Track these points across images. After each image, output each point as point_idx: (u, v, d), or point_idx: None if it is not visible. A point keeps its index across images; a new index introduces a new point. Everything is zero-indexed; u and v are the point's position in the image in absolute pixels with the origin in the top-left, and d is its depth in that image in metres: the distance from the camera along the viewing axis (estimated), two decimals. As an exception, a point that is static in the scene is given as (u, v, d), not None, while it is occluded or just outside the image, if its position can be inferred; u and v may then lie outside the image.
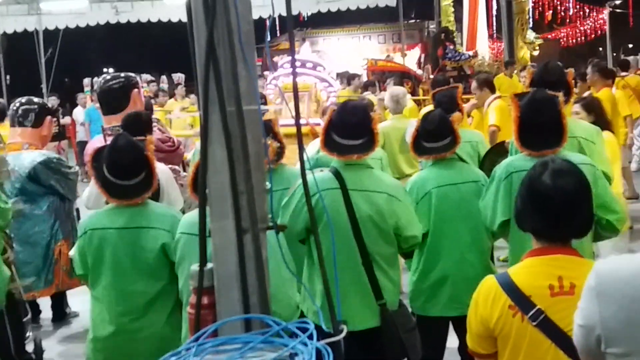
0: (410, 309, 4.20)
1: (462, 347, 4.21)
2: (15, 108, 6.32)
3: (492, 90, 8.12)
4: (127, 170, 3.62)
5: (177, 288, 3.54)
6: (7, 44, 21.80)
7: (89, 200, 5.18)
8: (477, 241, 4.15)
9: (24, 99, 6.42)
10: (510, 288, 2.39)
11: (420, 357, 3.75)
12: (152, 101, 11.81)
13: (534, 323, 2.35)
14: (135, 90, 5.94)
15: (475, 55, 16.62)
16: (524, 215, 2.49)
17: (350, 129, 3.68)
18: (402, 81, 13.87)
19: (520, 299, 2.37)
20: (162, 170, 4.46)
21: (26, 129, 6.20)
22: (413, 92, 14.32)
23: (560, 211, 2.39)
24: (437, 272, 4.12)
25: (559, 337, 2.33)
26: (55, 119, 6.76)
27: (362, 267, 3.60)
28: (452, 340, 4.26)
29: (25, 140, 6.15)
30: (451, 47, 16.39)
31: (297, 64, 9.64)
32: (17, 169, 5.77)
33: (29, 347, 5.64)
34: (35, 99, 6.53)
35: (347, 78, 15.15)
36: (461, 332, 4.15)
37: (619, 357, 1.81)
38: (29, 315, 5.80)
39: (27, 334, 5.74)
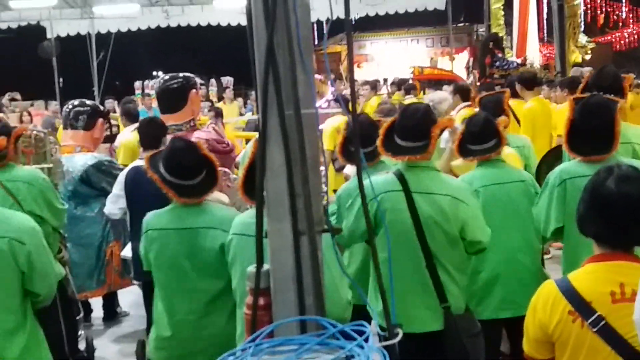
0: None
1: (515, 352, 4.18)
2: (67, 110, 6.44)
3: (465, 98, 8.11)
4: (189, 170, 3.69)
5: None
6: (60, 48, 22.21)
7: (108, 200, 5.29)
8: (527, 241, 4.13)
9: (76, 102, 6.54)
10: (570, 293, 2.38)
11: None
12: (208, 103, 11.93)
13: (594, 329, 2.33)
14: (193, 91, 6.03)
15: (524, 63, 16.41)
16: (586, 220, 2.48)
17: (410, 131, 3.68)
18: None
19: (580, 305, 2.36)
20: None
21: (78, 131, 6.31)
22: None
23: (624, 217, 2.38)
24: (487, 272, 4.10)
25: (620, 344, 2.32)
26: (107, 122, 6.86)
27: (426, 269, 3.57)
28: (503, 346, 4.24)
29: (77, 143, 6.26)
30: (500, 55, 16.22)
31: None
32: (70, 172, 5.89)
33: (81, 346, 5.77)
34: (87, 102, 6.65)
35: (396, 83, 15.14)
36: (514, 336, 4.13)
37: None
38: (81, 314, 5.91)
39: (80, 333, 5.86)
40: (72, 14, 24.52)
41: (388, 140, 3.74)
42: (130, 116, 8.53)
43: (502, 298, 4.07)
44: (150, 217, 3.85)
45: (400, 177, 3.64)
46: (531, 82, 8.61)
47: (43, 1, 22.25)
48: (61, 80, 22.02)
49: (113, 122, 9.36)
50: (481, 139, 4.19)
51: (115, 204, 5.28)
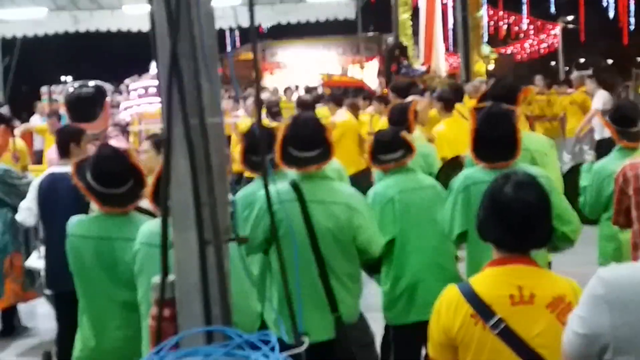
0: (385, 321, 4.20)
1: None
2: None
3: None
4: (115, 178, 3.60)
5: None
6: (-37, 52, 21.38)
7: (26, 216, 5.13)
8: (444, 245, 4.19)
9: None
10: (472, 297, 2.42)
11: None
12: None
13: (495, 332, 2.38)
14: (107, 99, 5.92)
15: (428, 71, 16.84)
16: (485, 225, 2.53)
17: (305, 140, 3.69)
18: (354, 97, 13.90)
19: (481, 308, 2.40)
20: None
21: None
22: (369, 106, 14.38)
23: (522, 222, 2.44)
24: (408, 277, 4.14)
25: (519, 346, 2.37)
26: (11, 129, 6.60)
27: (319, 278, 3.59)
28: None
29: None
30: (405, 62, 16.60)
31: (142, 91, 9.69)
32: None
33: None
34: None
35: (305, 90, 15.28)
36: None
37: None
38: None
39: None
40: (-25, 17, 23.64)
41: (285, 153, 3.74)
42: None
43: (425, 301, 4.11)
44: (73, 224, 3.73)
45: (295, 187, 3.64)
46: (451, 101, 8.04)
47: (-56, 4, 21.35)
48: (-36, 85, 21.17)
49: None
50: (391, 149, 4.24)
51: (30, 212, 5.12)
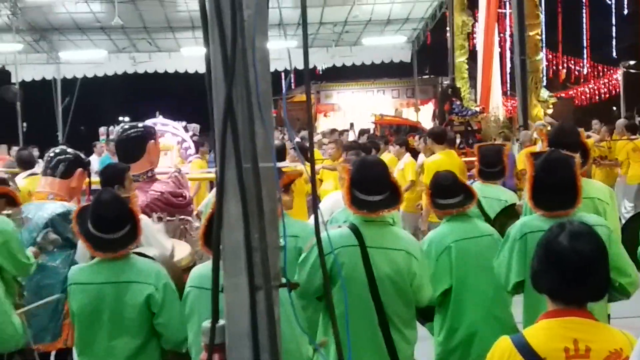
0: None
1: None
2: (48, 157, 6.36)
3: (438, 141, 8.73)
4: (111, 223, 3.62)
5: (158, 344, 3.58)
6: (25, 92, 22.09)
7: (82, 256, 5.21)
8: (500, 295, 4.12)
9: (57, 149, 6.42)
10: (525, 349, 2.37)
11: None
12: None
13: None
14: (152, 141, 5.99)
15: (483, 111, 16.78)
16: (540, 276, 2.48)
17: (372, 184, 3.68)
18: (408, 135, 14.07)
19: None
20: (144, 222, 4.48)
21: (55, 179, 6.19)
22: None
23: (577, 273, 2.39)
24: (464, 329, 4.08)
25: None
26: (87, 171, 6.66)
27: (379, 326, 3.55)
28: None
29: (51, 191, 6.14)
30: (457, 102, 16.61)
31: (159, 126, 9.79)
32: (35, 219, 5.75)
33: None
34: (70, 150, 6.53)
35: (359, 132, 15.51)
36: None
37: None
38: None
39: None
40: (38, 58, 24.50)
41: (351, 194, 3.73)
42: (24, 163, 8.44)
43: (480, 355, 4.04)
44: (73, 271, 3.78)
45: (356, 232, 3.62)
46: (440, 137, 9.03)
47: (8, 46, 22.16)
48: (25, 124, 21.83)
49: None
50: (451, 193, 4.21)
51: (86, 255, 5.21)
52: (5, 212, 5.22)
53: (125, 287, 3.58)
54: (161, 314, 3.55)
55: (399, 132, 17.07)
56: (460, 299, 4.06)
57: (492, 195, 5.17)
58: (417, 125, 17.91)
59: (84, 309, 3.63)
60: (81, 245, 5.28)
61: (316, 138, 14.87)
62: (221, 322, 2.10)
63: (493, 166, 5.52)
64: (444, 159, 8.55)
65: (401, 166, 9.85)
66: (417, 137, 11.88)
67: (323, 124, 22.04)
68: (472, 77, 19.62)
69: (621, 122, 13.37)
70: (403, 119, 19.72)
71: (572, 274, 2.39)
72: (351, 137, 16.29)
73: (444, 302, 4.03)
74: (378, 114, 18.87)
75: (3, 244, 4.80)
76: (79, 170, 6.31)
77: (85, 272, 3.72)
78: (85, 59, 24.28)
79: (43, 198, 6.03)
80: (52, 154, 6.38)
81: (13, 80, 23.07)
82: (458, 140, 14.27)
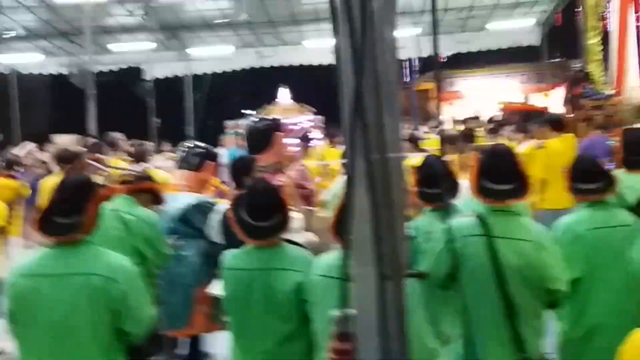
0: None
1: None
2: (182, 152, 6.65)
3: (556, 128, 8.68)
4: (264, 212, 3.72)
5: (308, 330, 3.58)
6: (157, 89, 23.07)
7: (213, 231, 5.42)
8: (633, 288, 3.96)
9: (190, 144, 6.71)
10: None
11: None
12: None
13: None
14: (278, 132, 6.12)
15: (618, 94, 16.03)
16: None
17: (502, 173, 3.63)
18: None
19: None
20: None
21: (188, 172, 6.48)
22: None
23: None
24: (589, 320, 3.97)
25: None
26: (217, 164, 6.87)
27: (506, 319, 3.48)
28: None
29: (185, 183, 6.42)
30: (590, 86, 15.96)
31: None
32: (170, 211, 6.01)
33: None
34: (201, 144, 6.79)
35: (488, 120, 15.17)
36: None
37: None
38: (168, 350, 5.99)
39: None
40: (169, 56, 25.41)
41: (478, 183, 3.68)
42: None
43: (604, 348, 3.91)
44: (227, 257, 3.89)
45: (482, 221, 3.57)
46: (558, 123, 8.96)
47: (141, 44, 23.17)
48: (159, 120, 22.78)
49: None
50: (591, 178, 4.08)
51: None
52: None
53: (275, 274, 3.66)
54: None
55: (529, 119, 16.60)
56: (588, 289, 3.94)
57: (637, 185, 4.88)
58: (544, 112, 17.33)
59: (236, 294, 3.75)
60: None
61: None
62: (351, 311, 2.13)
63: (639, 154, 5.22)
64: (556, 145, 8.45)
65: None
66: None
67: (447, 112, 21.70)
68: (606, 59, 18.76)
69: None
70: (531, 106, 19.16)
71: None
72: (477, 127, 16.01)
73: (572, 290, 3.90)
74: (506, 102, 18.42)
75: (149, 236, 5.13)
76: (209, 162, 6.54)
77: (237, 258, 3.84)
78: (214, 55, 25.01)
79: (177, 190, 6.30)
80: (185, 149, 6.65)
81: (146, 77, 24.11)
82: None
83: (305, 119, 14.43)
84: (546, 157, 8.34)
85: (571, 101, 16.18)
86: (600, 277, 3.94)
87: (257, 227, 3.72)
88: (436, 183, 4.20)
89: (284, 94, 13.49)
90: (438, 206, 4.21)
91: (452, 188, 4.35)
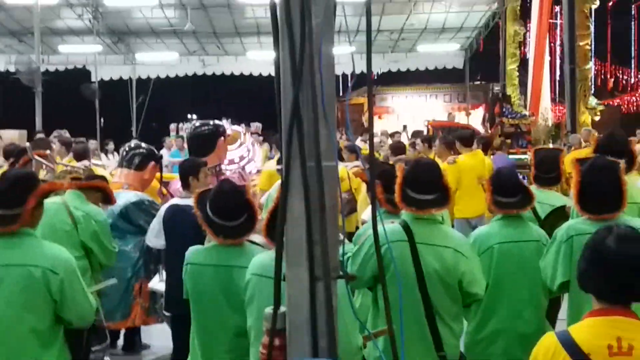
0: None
1: None
2: (124, 151, 6.51)
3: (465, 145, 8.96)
4: (232, 212, 3.70)
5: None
6: (102, 90, 22.62)
7: (151, 234, 5.33)
8: (534, 298, 4.08)
9: (132, 144, 6.58)
10: (570, 345, 2.34)
11: None
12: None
13: None
14: (221, 138, 6.10)
15: (532, 115, 16.54)
16: (586, 277, 2.44)
17: (424, 184, 3.67)
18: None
19: (579, 357, 2.31)
20: None
21: (130, 171, 6.35)
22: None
23: (623, 275, 2.35)
24: (492, 325, 4.05)
25: None
26: (159, 165, 6.75)
27: (425, 319, 3.53)
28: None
29: (126, 181, 6.29)
30: (508, 106, 16.44)
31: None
32: (111, 207, 5.89)
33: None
34: (144, 145, 6.66)
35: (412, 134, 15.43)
36: None
37: None
38: (108, 342, 5.86)
39: (105, 358, 5.80)
40: (116, 59, 25.06)
41: (404, 194, 3.71)
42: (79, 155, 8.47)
43: (504, 351, 4.03)
44: (191, 253, 3.84)
45: (406, 228, 3.60)
46: (468, 140, 9.22)
47: (89, 47, 22.69)
48: (102, 120, 22.32)
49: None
50: (510, 192, 4.12)
51: (158, 238, 5.31)
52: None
53: (237, 271, 3.62)
54: None
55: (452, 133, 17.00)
56: (494, 296, 4.01)
57: (547, 201, 4.99)
58: (469, 127, 17.71)
59: (199, 289, 3.70)
60: (153, 225, 5.39)
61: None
62: (282, 309, 2.12)
63: (550, 172, 5.24)
64: (467, 160, 8.77)
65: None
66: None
67: (377, 126, 21.91)
68: (523, 84, 19.28)
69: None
70: (455, 123, 19.51)
71: (619, 276, 2.35)
72: (404, 138, 16.21)
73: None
74: (431, 120, 18.75)
75: (96, 232, 5.01)
76: (152, 163, 6.44)
77: (201, 254, 3.80)
78: (159, 61, 24.74)
79: (118, 188, 6.18)
80: (127, 148, 6.53)
81: (92, 79, 23.61)
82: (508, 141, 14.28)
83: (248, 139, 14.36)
84: (457, 171, 8.55)
85: (490, 119, 16.57)
86: (506, 286, 4.03)
87: (225, 226, 3.69)
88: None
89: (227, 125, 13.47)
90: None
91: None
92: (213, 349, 3.67)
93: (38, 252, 3.31)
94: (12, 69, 23.25)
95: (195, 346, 3.76)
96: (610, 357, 2.31)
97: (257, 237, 4.42)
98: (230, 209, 3.71)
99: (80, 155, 8.44)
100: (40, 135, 12.81)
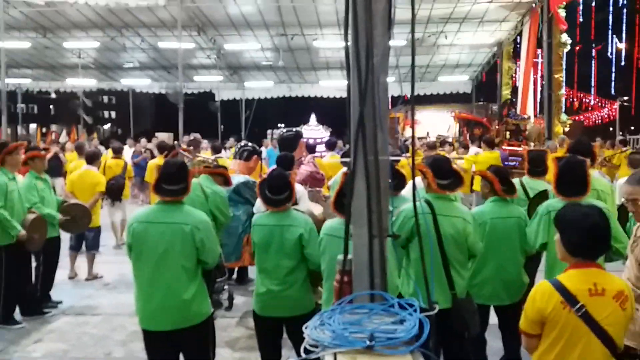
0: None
1: (501, 325, 4.09)
2: (238, 148, 6.63)
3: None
4: (277, 189, 3.70)
5: (306, 265, 3.57)
6: (222, 107, 23.00)
7: (257, 204, 5.39)
8: (514, 256, 3.99)
9: (242, 143, 6.67)
10: (561, 289, 2.27)
11: (477, 331, 3.57)
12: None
13: (578, 314, 2.24)
14: (302, 140, 6.10)
15: (529, 118, 16.16)
16: (564, 238, 2.36)
17: (442, 172, 3.59)
18: (474, 127, 14.01)
19: (568, 297, 2.25)
20: (298, 190, 4.67)
21: (240, 161, 6.45)
22: (482, 134, 14.62)
23: (593, 237, 2.29)
24: (483, 273, 3.97)
25: (594, 325, 2.24)
26: (260, 156, 6.81)
27: (442, 267, 3.47)
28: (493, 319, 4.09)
29: (238, 169, 6.40)
30: (513, 110, 16.15)
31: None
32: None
33: (225, 296, 5.84)
34: (250, 143, 6.75)
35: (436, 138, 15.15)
36: (501, 315, 4.06)
37: None
38: (227, 275, 5.99)
39: (224, 287, 5.93)
40: (231, 86, 25.40)
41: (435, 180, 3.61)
42: (215, 150, 8.71)
43: (491, 292, 3.94)
44: (257, 217, 3.85)
45: (429, 204, 3.52)
46: (491, 143, 9.75)
47: (214, 77, 23.09)
48: (222, 127, 22.72)
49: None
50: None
51: (260, 206, 5.37)
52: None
53: (286, 228, 3.63)
54: (308, 247, 3.58)
55: (471, 126, 16.95)
56: (485, 255, 3.90)
57: (536, 187, 4.88)
58: (481, 121, 17.42)
59: (261, 241, 3.72)
60: (258, 202, 5.46)
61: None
62: (349, 256, 2.12)
63: (538, 167, 5.11)
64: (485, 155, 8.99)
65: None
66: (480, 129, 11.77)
67: (407, 132, 21.62)
68: (513, 105, 18.68)
69: (618, 139, 12.54)
70: (473, 116, 19.10)
71: (590, 237, 2.28)
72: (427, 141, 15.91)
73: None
74: (457, 111, 18.47)
75: (219, 203, 5.07)
76: (255, 156, 6.52)
77: (262, 218, 3.81)
78: (260, 87, 24.98)
79: (232, 173, 6.29)
80: (239, 146, 6.62)
81: (216, 99, 24.00)
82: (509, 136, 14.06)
83: (323, 135, 14.34)
84: (474, 161, 9.12)
85: (499, 118, 16.31)
86: (493, 249, 3.92)
87: (273, 199, 3.69)
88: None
89: (312, 118, 13.75)
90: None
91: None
92: (270, 283, 3.65)
93: (188, 215, 3.36)
94: (163, 91, 23.93)
95: (258, 282, 3.73)
96: (590, 297, 2.25)
97: (302, 207, 4.37)
98: (277, 187, 3.69)
99: (217, 150, 8.71)
100: (196, 136, 13.10)
